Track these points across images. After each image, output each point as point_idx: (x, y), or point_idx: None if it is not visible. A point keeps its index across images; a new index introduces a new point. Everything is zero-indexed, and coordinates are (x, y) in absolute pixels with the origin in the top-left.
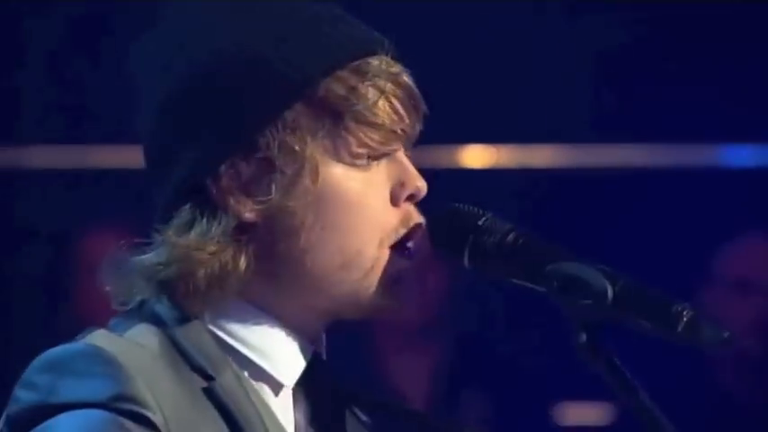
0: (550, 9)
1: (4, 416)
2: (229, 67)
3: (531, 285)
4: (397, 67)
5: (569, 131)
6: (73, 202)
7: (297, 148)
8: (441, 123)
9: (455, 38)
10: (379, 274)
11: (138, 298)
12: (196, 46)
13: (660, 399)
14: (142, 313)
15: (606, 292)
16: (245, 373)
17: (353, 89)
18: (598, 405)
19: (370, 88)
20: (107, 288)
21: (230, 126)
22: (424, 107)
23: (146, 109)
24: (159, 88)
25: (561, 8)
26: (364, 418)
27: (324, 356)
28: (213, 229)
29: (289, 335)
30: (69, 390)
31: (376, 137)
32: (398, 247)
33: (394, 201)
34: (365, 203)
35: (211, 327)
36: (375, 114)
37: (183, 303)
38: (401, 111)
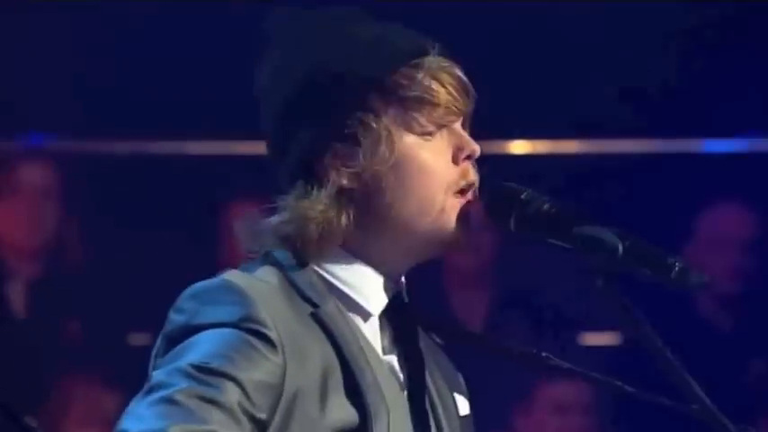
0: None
1: (161, 334)
2: (323, 76)
3: (560, 244)
4: (446, 62)
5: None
6: (221, 182)
7: (374, 125)
8: (491, 120)
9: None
10: (448, 216)
11: (264, 249)
12: (300, 64)
13: (656, 327)
14: (266, 260)
15: (618, 248)
16: (343, 305)
17: (413, 79)
18: (609, 334)
19: (426, 77)
20: (242, 242)
21: (326, 117)
22: (472, 90)
23: (266, 113)
24: (276, 98)
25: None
26: (438, 340)
27: (404, 295)
28: (321, 195)
29: (376, 275)
30: (208, 314)
31: (435, 113)
32: (460, 194)
33: (454, 160)
34: (432, 164)
35: (318, 269)
36: (432, 96)
37: (297, 252)
38: (453, 92)
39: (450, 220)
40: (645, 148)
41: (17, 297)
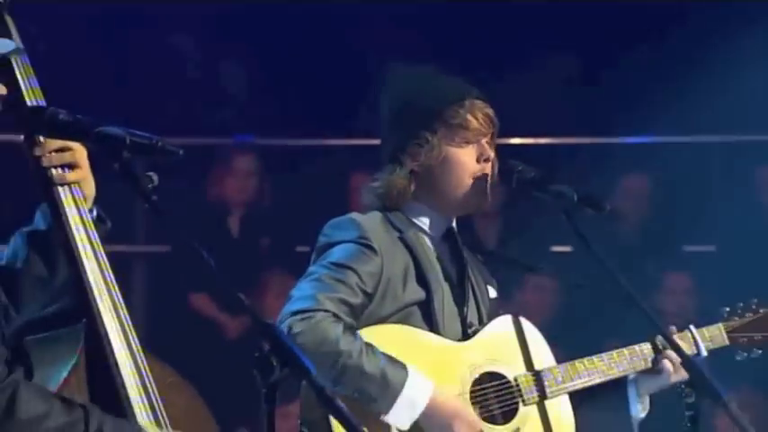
0: None
1: (315, 249)
2: (407, 109)
3: (540, 195)
4: (480, 102)
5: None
6: (350, 163)
7: (431, 138)
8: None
9: None
10: (473, 190)
11: (372, 202)
12: (396, 101)
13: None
14: (373, 207)
15: (573, 196)
16: (418, 231)
17: (457, 112)
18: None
19: (465, 112)
20: (362, 197)
21: (407, 132)
22: (495, 120)
23: (381, 127)
24: (384, 120)
25: None
26: (480, 258)
27: (455, 228)
28: (400, 174)
29: (437, 216)
30: (338, 236)
31: (468, 134)
32: (481, 178)
33: (477, 161)
34: (463, 163)
35: (402, 212)
36: (467, 124)
37: (389, 204)
38: (481, 122)
39: (475, 193)
40: (587, 141)
41: (234, 225)
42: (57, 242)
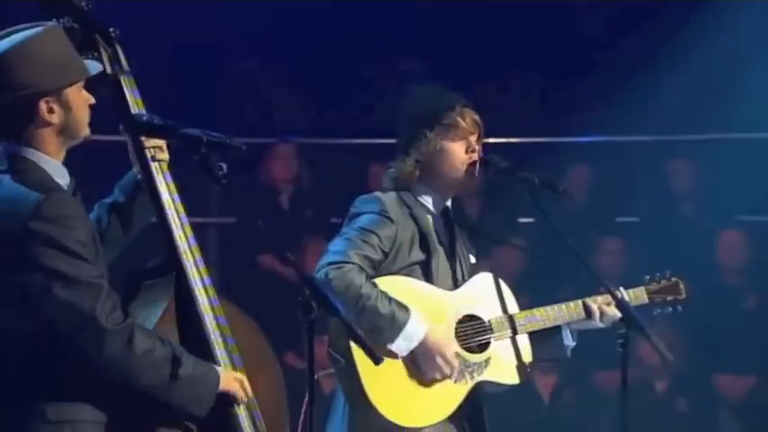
0: None
1: (347, 218)
2: (415, 115)
3: (512, 180)
4: (469, 109)
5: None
6: (370, 157)
7: (431, 136)
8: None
9: None
10: (463, 174)
11: (388, 185)
12: (411, 105)
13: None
14: (390, 188)
15: (535, 180)
16: (422, 208)
17: (450, 116)
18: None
19: (456, 116)
20: (383, 181)
21: (414, 131)
22: (480, 122)
23: (400, 125)
24: (402, 119)
25: None
26: (465, 233)
27: (449, 207)
28: (408, 163)
29: (437, 196)
30: (366, 208)
31: (458, 133)
32: (471, 166)
33: (466, 152)
34: (455, 153)
35: (411, 192)
36: (458, 125)
37: (400, 185)
38: (469, 123)
39: (465, 177)
40: (545, 140)
41: (284, 201)
42: (131, 210)
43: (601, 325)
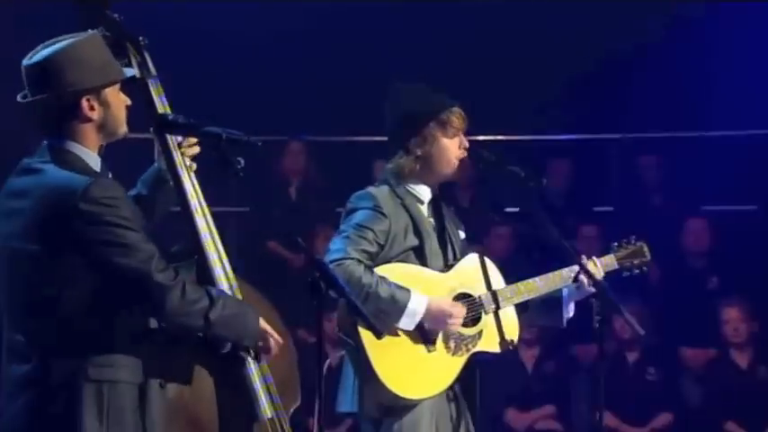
0: None
1: (343, 213)
2: (410, 113)
3: (500, 172)
4: (458, 109)
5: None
6: (372, 153)
7: (426, 132)
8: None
9: None
10: (454, 168)
11: (384, 179)
12: (398, 108)
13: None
14: (384, 183)
15: (521, 173)
16: (414, 199)
17: (444, 115)
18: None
19: (449, 115)
20: (380, 175)
21: (410, 130)
22: (467, 120)
23: (388, 127)
24: (391, 122)
25: None
26: (455, 212)
27: (438, 195)
28: (406, 158)
29: (427, 187)
30: (361, 204)
31: (451, 130)
32: (461, 159)
33: (459, 147)
34: (449, 148)
35: (405, 185)
36: (451, 122)
37: (396, 179)
38: (461, 121)
39: (454, 170)
40: (528, 138)
41: (293, 192)
42: (153, 201)
43: (592, 290)
